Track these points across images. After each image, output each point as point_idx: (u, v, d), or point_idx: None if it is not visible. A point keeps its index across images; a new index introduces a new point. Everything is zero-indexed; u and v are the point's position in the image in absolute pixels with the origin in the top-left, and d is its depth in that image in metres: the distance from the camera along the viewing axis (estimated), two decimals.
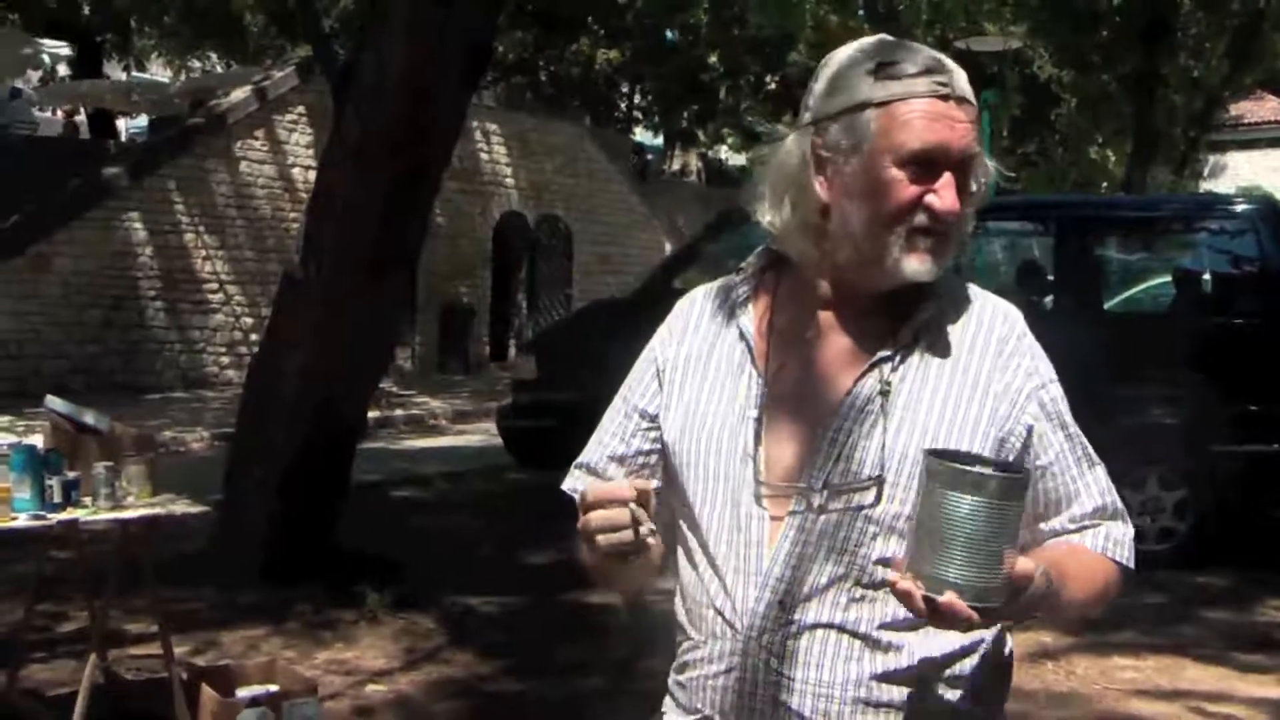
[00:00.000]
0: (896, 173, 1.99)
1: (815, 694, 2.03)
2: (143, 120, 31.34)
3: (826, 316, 2.11)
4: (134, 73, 33.82)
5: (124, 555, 5.75)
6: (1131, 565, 2.16)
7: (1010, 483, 1.83)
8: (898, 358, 2.05)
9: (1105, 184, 36.98)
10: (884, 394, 2.02)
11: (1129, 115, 25.60)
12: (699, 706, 2.14)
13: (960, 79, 2.02)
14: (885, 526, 1.99)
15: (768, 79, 35.90)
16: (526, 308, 25.91)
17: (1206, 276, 10.76)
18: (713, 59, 32.39)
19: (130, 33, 30.78)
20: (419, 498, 12.13)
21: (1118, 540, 2.15)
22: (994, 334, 2.09)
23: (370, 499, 11.06)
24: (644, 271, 15.77)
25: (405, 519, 10.90)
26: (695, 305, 2.27)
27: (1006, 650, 2.16)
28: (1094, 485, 2.14)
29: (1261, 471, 9.32)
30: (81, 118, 29.66)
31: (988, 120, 22.06)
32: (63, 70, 29.56)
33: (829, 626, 2.02)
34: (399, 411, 17.99)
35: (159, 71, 35.02)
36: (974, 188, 2.05)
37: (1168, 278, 11.65)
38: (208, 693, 5.41)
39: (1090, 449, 2.16)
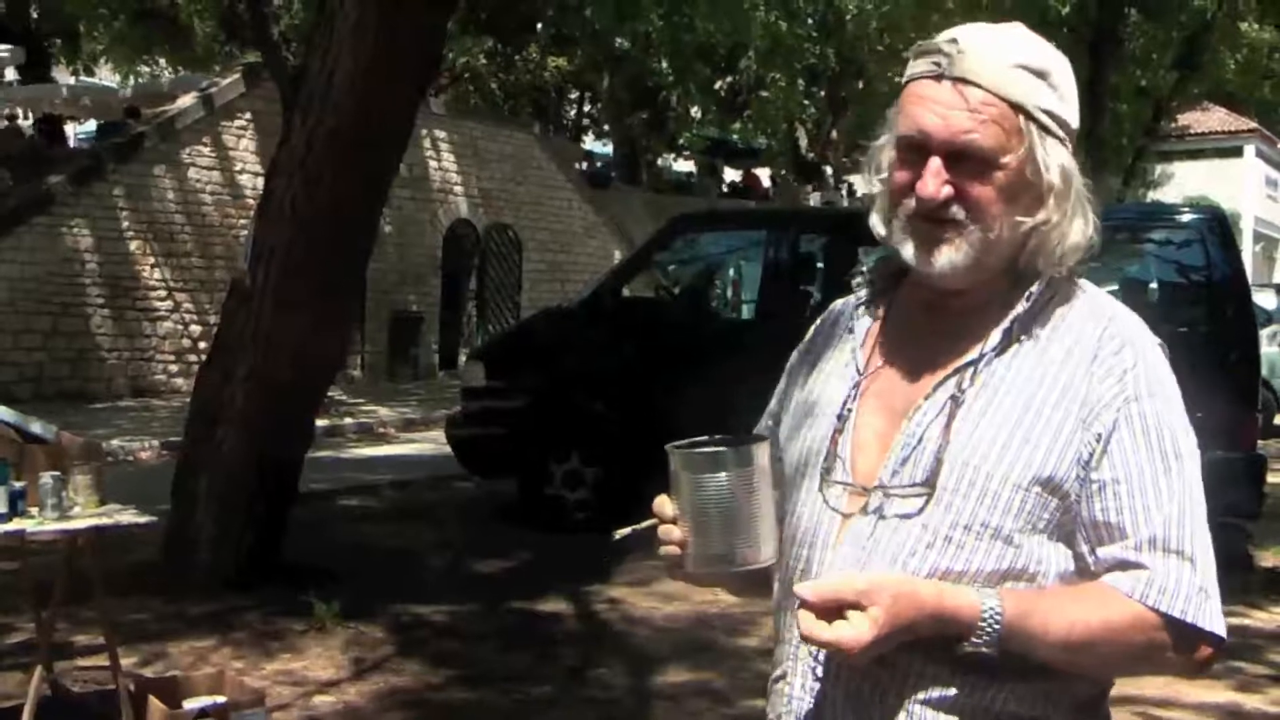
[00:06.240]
0: (896, 157, 1.94)
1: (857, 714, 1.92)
2: (91, 125, 31.13)
3: (928, 318, 2.02)
4: (82, 77, 33.60)
5: (71, 566, 5.71)
6: (1190, 619, 1.86)
7: (740, 451, 1.87)
8: (982, 361, 1.94)
9: None
10: (953, 400, 1.92)
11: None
12: (772, 712, 2.05)
13: (968, 59, 1.87)
14: (941, 536, 1.87)
15: (718, 84, 35.96)
16: (476, 316, 25.88)
17: (1153, 285, 10.83)
18: (663, 65, 32.34)
19: (79, 37, 30.57)
20: (368, 506, 12.08)
21: (1165, 587, 1.86)
22: (1093, 338, 1.96)
23: (319, 508, 11.02)
24: (593, 279, 15.75)
25: (354, 528, 10.85)
26: (830, 313, 2.21)
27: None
28: (1159, 513, 1.91)
29: (1211, 478, 9.37)
30: (28, 122, 29.41)
31: None
32: (10, 74, 29.35)
33: None
34: (348, 420, 17.93)
35: (107, 77, 34.75)
36: (998, 177, 1.88)
37: (1114, 286, 11.72)
38: (155, 704, 5.36)
39: (1194, 486, 1.97)
